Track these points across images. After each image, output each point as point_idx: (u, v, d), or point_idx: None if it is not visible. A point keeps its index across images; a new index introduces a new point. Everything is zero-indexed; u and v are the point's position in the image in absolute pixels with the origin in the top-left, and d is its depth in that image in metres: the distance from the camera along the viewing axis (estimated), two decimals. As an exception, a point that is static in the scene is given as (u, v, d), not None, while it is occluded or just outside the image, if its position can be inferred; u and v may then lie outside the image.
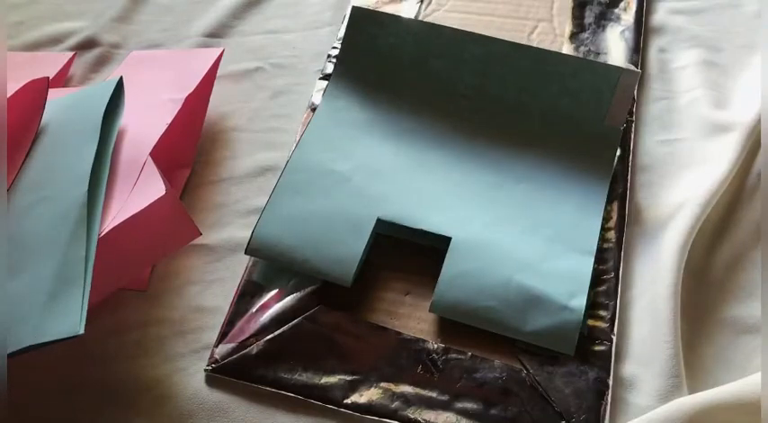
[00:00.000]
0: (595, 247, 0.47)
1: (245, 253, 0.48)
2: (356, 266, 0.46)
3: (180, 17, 0.66)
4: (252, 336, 0.45)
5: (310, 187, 0.50)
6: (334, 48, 0.60)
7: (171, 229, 0.45)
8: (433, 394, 0.42)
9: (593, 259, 0.46)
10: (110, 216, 0.43)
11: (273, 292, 0.47)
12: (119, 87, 0.48)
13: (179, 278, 0.49)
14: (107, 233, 0.42)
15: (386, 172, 0.50)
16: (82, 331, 0.36)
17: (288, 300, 0.46)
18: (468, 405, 0.42)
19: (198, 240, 0.47)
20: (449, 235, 0.47)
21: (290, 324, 0.45)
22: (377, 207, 0.48)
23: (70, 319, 0.37)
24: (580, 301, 0.44)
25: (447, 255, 0.46)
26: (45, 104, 0.49)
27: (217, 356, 0.44)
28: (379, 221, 0.48)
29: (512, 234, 0.47)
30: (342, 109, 0.54)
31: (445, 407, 0.42)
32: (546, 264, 0.46)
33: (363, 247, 0.46)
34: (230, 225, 0.52)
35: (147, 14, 0.67)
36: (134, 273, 0.47)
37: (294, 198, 0.49)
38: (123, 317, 0.47)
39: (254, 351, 0.44)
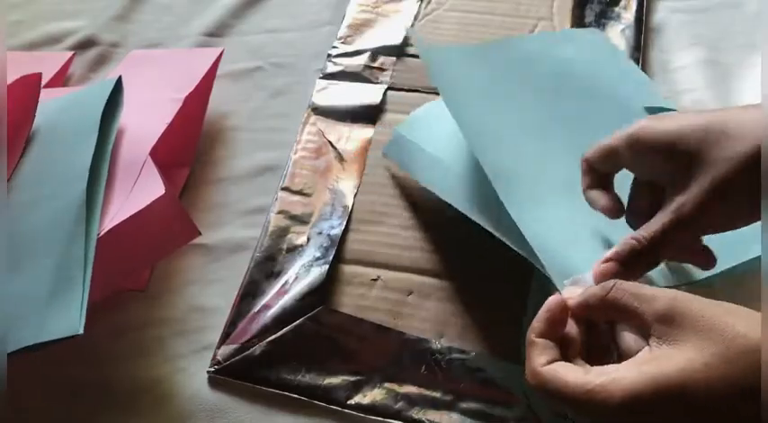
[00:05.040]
0: None
1: None
2: None
3: (179, 16, 0.66)
4: (254, 337, 0.44)
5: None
6: (334, 47, 0.60)
7: (170, 228, 0.45)
8: (437, 394, 0.42)
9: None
10: (109, 215, 0.43)
11: (275, 291, 0.46)
12: (118, 86, 0.48)
13: (179, 278, 0.49)
14: (106, 232, 0.41)
15: None
16: (81, 331, 0.36)
17: (290, 300, 0.46)
18: (473, 405, 0.41)
19: (198, 240, 0.47)
20: None
21: (293, 325, 0.45)
22: None
23: (70, 319, 0.37)
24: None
25: None
26: (38, 100, 0.48)
27: (219, 358, 0.44)
28: None
29: None
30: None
31: (449, 407, 0.41)
32: None
33: None
34: (230, 225, 0.51)
35: (147, 14, 0.67)
36: (134, 272, 0.47)
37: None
38: (123, 317, 0.47)
39: (257, 352, 0.44)
